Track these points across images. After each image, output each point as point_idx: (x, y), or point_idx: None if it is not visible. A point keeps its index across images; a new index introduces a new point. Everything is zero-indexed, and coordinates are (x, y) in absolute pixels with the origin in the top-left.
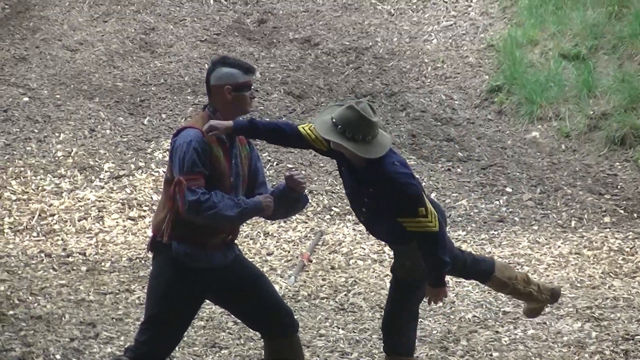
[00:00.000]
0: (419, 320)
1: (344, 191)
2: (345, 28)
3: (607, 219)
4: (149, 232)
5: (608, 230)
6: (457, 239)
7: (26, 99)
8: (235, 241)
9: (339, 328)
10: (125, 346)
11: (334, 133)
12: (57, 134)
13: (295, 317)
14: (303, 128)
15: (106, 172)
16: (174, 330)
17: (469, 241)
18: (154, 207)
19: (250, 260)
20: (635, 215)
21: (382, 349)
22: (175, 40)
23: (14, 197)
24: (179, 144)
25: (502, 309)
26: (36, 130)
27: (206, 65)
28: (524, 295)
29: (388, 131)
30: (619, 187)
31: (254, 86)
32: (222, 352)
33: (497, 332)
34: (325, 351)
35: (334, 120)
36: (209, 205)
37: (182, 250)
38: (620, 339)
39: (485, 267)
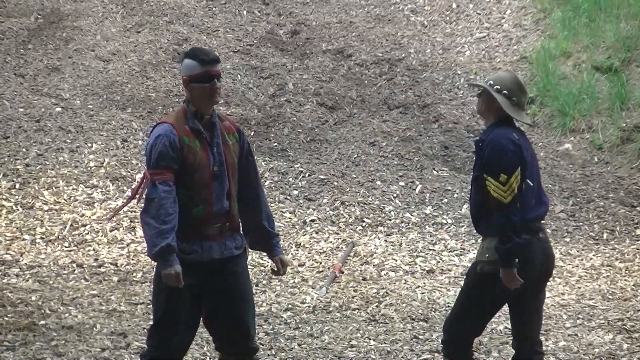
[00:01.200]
0: None
1: (375, 202)
2: (378, 39)
3: (639, 232)
4: None
5: None
6: None
7: (59, 109)
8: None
9: (370, 339)
10: (140, 353)
11: (482, 84)
12: (89, 144)
13: (318, 329)
14: None
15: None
16: (181, 330)
17: None
18: None
19: None
20: None
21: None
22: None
23: (46, 207)
24: (150, 139)
25: None
26: (68, 141)
27: (239, 76)
28: None
29: (420, 142)
30: None
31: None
32: None
33: None
34: None
35: (486, 78)
36: (152, 214)
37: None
38: None
39: None
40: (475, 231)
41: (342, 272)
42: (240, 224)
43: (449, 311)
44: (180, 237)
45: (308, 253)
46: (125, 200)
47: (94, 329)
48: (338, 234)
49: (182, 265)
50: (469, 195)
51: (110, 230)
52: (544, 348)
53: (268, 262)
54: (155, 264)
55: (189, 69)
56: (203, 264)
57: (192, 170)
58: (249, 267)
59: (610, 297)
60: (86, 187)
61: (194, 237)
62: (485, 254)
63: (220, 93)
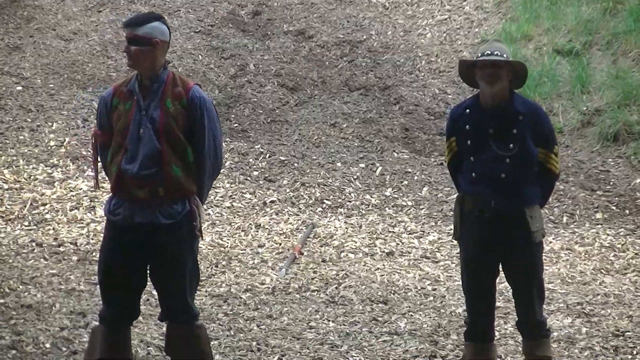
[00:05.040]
0: (410, 314)
1: (335, 184)
2: (339, 21)
3: (599, 215)
4: None
5: (600, 226)
6: (449, 233)
7: (19, 88)
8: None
9: (329, 321)
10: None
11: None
12: (50, 124)
13: (278, 309)
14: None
15: (98, 162)
16: (120, 289)
17: None
18: None
19: (242, 252)
20: (627, 211)
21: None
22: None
23: (5, 186)
24: None
25: None
26: (29, 120)
27: (200, 56)
28: None
29: (381, 124)
30: (611, 183)
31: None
32: (213, 343)
33: None
34: (315, 343)
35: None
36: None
37: (107, 206)
38: (610, 335)
39: None
40: (434, 214)
41: (302, 254)
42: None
43: (525, 299)
44: (113, 196)
45: (268, 234)
46: (92, 159)
47: (53, 308)
48: (298, 215)
49: (112, 227)
50: (496, 169)
51: (70, 210)
52: (503, 331)
53: (228, 242)
54: None
55: None
56: (129, 227)
57: (117, 131)
58: (208, 247)
59: (569, 281)
60: (46, 167)
61: (122, 198)
62: (536, 223)
63: (132, 57)
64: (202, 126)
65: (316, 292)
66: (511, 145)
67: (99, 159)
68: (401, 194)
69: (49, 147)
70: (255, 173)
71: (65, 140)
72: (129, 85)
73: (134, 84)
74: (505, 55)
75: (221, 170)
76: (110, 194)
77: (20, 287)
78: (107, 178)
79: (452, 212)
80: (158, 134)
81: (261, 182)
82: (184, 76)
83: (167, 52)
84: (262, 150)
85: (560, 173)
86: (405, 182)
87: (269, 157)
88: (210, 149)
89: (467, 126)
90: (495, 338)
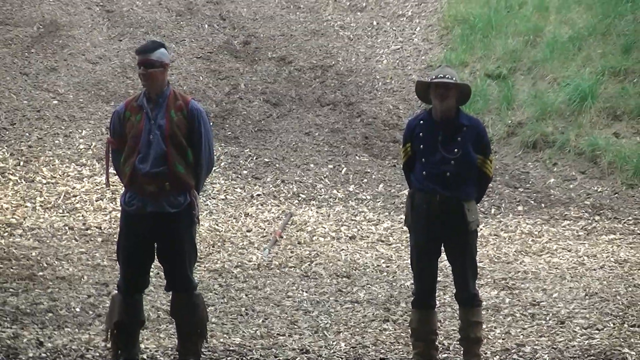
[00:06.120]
0: (368, 286)
1: (309, 181)
2: (313, 49)
3: (520, 208)
4: None
5: (521, 217)
6: (400, 221)
7: (55, 102)
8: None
9: (304, 291)
10: None
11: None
12: (80, 131)
13: (261, 282)
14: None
15: (110, 164)
16: (134, 264)
17: None
18: None
19: (233, 235)
20: (542, 205)
21: (462, 309)
22: (177, 56)
23: (44, 181)
24: None
25: None
26: (63, 127)
27: (201, 77)
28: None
29: (346, 133)
30: (530, 182)
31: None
32: (209, 308)
33: None
34: (292, 309)
35: (448, 76)
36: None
37: (123, 199)
38: (528, 304)
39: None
40: (388, 206)
41: (282, 237)
42: (190, 184)
43: (463, 275)
44: (126, 191)
45: (254, 221)
46: (104, 162)
47: (82, 279)
48: (279, 206)
49: (127, 216)
50: (442, 168)
51: (96, 200)
52: (442, 300)
53: (222, 228)
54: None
55: None
56: (141, 215)
57: (130, 138)
58: (206, 231)
59: (496, 260)
60: (77, 165)
61: (135, 191)
62: (472, 215)
63: (147, 79)
64: (199, 132)
65: (293, 268)
66: (455, 150)
67: (110, 162)
68: (362, 190)
69: (79, 150)
70: (245, 172)
71: (92, 144)
72: (139, 101)
73: (143, 100)
74: (454, 79)
75: (214, 169)
76: (124, 189)
77: (56, 262)
78: (117, 177)
79: (403, 205)
80: (165, 139)
81: (249, 179)
82: (182, 92)
83: (174, 74)
84: (250, 153)
85: (493, 177)
86: (365, 180)
87: (256, 159)
88: (206, 150)
89: (421, 133)
90: (436, 306)
